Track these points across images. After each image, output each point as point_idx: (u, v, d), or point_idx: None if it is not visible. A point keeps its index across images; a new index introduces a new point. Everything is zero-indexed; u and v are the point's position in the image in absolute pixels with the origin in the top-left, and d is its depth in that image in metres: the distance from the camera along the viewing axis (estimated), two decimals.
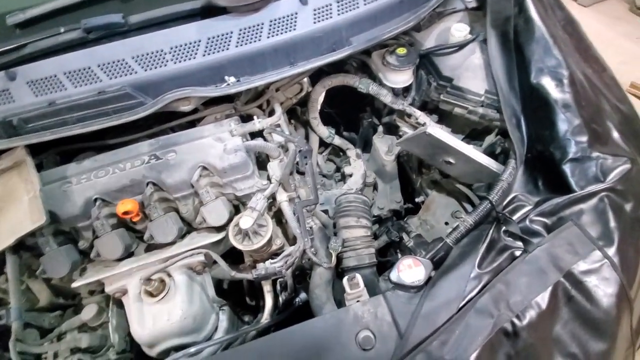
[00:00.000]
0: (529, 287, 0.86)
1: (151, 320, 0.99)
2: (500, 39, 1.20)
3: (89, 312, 1.07)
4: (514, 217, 0.97)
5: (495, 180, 1.01)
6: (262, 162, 1.18)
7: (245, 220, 0.97)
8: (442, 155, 1.19)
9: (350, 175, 1.47)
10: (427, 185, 1.54)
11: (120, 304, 1.09)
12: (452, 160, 1.18)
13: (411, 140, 1.19)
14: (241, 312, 1.34)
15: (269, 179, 1.10)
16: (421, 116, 1.25)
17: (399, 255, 1.43)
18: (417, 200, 1.56)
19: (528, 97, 1.11)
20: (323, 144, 1.64)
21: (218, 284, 1.28)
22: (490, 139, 1.25)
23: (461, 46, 1.24)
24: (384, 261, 1.44)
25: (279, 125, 1.12)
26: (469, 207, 1.35)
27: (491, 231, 0.95)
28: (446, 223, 1.39)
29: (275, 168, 1.07)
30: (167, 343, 1.00)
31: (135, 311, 1.00)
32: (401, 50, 1.19)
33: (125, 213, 0.99)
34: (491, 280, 0.87)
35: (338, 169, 1.63)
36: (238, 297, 1.42)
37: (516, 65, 1.15)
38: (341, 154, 1.70)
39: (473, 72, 1.21)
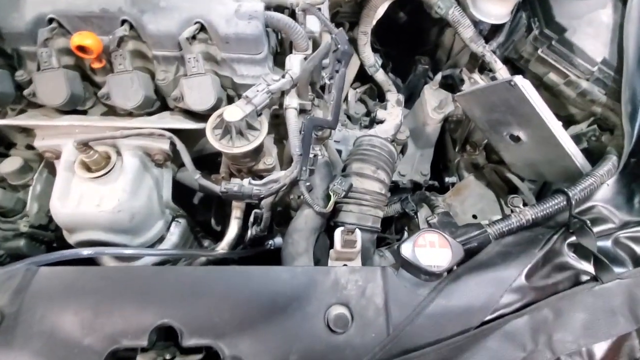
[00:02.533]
0: (586, 327, 0.60)
1: (76, 199, 0.75)
2: None
3: (10, 165, 0.83)
4: None
5: (586, 174, 0.72)
6: (278, 55, 0.88)
7: (233, 111, 0.69)
8: (512, 126, 0.89)
9: (382, 122, 1.17)
10: (466, 167, 1.25)
11: (52, 169, 0.85)
12: (522, 136, 0.88)
13: (482, 92, 0.88)
14: (202, 234, 1.10)
15: (283, 77, 0.81)
16: (502, 70, 0.93)
17: (406, 233, 1.17)
18: (446, 180, 1.27)
19: None
20: (360, 77, 1.33)
21: (187, 193, 1.04)
22: (579, 128, 0.94)
23: None
24: (382, 236, 1.19)
25: (320, 10, 0.81)
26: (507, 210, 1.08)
27: (555, 237, 0.67)
28: (474, 216, 1.11)
29: (295, 62, 0.78)
30: (89, 234, 0.76)
31: (61, 182, 0.76)
32: None
33: (82, 49, 0.72)
34: (538, 301, 0.61)
35: (368, 114, 1.34)
36: (206, 217, 1.18)
37: None
38: (377, 99, 1.40)
39: (596, 30, 0.87)
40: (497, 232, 0.72)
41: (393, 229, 1.25)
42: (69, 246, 0.81)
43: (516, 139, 0.90)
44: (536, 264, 0.63)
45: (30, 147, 0.92)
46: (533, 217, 0.71)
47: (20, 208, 0.86)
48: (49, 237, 0.91)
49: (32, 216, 0.85)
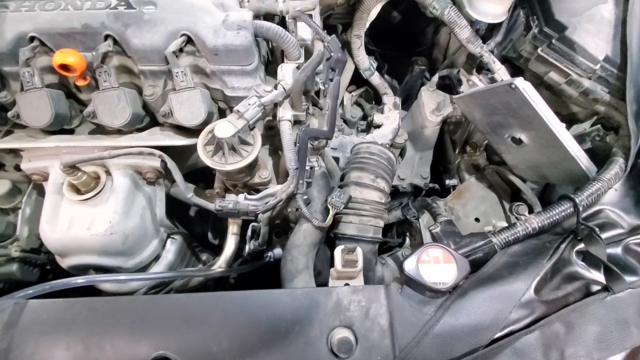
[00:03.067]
0: (599, 340, 0.57)
1: (66, 222, 0.72)
2: None
3: None
4: None
5: (593, 179, 0.69)
6: (270, 64, 0.86)
7: (224, 127, 0.67)
8: (513, 129, 0.86)
9: (379, 127, 1.15)
10: (467, 169, 1.22)
11: (42, 191, 0.83)
12: (524, 139, 0.85)
13: (481, 95, 0.85)
14: (200, 249, 1.07)
15: (276, 88, 0.78)
16: (500, 70, 0.91)
17: (408, 239, 1.15)
18: (447, 182, 1.25)
19: None
20: (355, 80, 1.30)
21: (183, 206, 1.02)
22: (583, 127, 0.91)
23: None
24: (383, 240, 1.17)
25: (311, 17, 0.78)
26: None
27: (563, 246, 0.65)
28: (477, 219, 1.09)
29: (287, 72, 0.75)
30: (82, 258, 0.74)
31: (50, 205, 0.74)
32: None
33: (65, 67, 0.69)
34: (548, 315, 0.59)
35: (364, 117, 1.31)
36: (204, 229, 1.16)
37: None
38: (373, 102, 1.37)
39: (597, 26, 0.84)
40: (502, 241, 0.69)
41: (394, 232, 1.23)
42: (63, 269, 0.79)
43: (518, 142, 0.87)
44: (545, 275, 0.61)
45: (19, 168, 0.90)
46: (539, 225, 0.68)
47: (11, 232, 0.83)
48: (42, 260, 0.89)
49: (23, 240, 0.83)
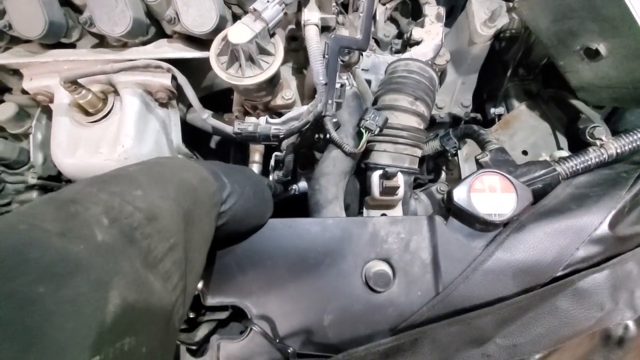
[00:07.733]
0: None
1: (77, 146, 0.67)
2: None
3: (3, 112, 0.75)
4: None
5: None
6: None
7: (239, 31, 0.56)
8: (590, 36, 0.70)
9: (418, 43, 0.99)
10: (516, 95, 1.07)
11: (51, 115, 0.77)
12: (602, 50, 0.70)
13: None
14: None
15: None
16: None
17: (443, 174, 1.06)
18: (492, 111, 1.10)
19: None
20: None
21: (201, 136, 0.95)
22: None
23: None
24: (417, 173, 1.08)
25: None
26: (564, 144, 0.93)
27: None
28: (524, 152, 0.97)
29: None
30: None
31: (59, 128, 0.68)
32: None
33: None
34: (622, 253, 0.50)
35: (400, 36, 1.14)
36: (225, 162, 1.10)
37: None
38: (410, 18, 1.18)
39: None
40: (569, 170, 0.59)
41: (424, 168, 1.14)
42: None
43: (593, 54, 0.71)
44: (622, 208, 0.51)
45: (25, 92, 0.84)
46: (619, 151, 0.57)
47: (26, 159, 0.80)
48: (60, 187, 0.86)
49: (39, 167, 0.79)
